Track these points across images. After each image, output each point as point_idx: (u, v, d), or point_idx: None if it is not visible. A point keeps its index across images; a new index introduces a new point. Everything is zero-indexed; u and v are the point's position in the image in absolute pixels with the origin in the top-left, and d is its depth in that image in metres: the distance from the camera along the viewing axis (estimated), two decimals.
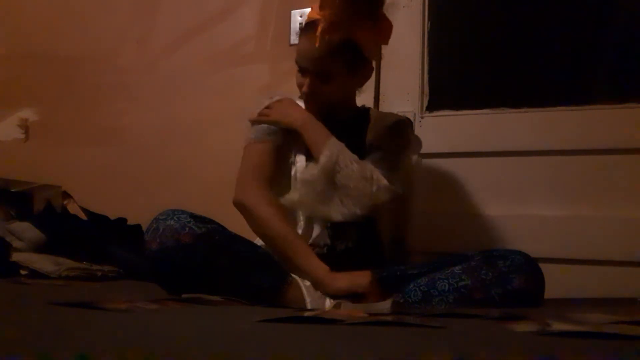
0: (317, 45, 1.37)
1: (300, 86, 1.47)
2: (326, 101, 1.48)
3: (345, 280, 1.30)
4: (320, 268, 1.33)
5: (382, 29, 1.46)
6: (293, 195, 1.41)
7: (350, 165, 1.38)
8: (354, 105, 1.60)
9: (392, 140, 1.54)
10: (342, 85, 1.47)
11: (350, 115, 1.57)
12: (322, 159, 1.38)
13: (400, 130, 1.59)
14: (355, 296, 1.28)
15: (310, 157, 1.45)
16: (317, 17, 1.39)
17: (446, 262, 1.35)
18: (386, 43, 1.51)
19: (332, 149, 1.39)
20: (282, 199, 1.41)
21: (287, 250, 1.36)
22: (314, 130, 1.45)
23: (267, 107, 1.51)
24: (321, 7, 1.39)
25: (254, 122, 1.51)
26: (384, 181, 1.39)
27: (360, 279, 1.30)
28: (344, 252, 1.43)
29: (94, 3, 2.46)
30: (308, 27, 1.43)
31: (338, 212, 1.37)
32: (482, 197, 1.80)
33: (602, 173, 1.69)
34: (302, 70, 1.45)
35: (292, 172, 1.48)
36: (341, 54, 1.40)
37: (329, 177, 1.37)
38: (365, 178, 1.38)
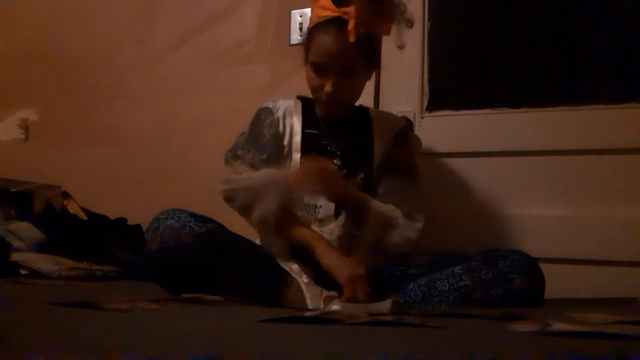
0: (352, 40, 1.35)
1: (317, 88, 1.44)
2: (348, 99, 1.48)
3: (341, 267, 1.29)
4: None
5: (391, 19, 1.46)
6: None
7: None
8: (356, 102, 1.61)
9: (406, 157, 1.56)
10: (362, 80, 1.48)
11: (351, 115, 1.57)
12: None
13: (408, 140, 1.61)
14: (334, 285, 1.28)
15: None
16: (333, 14, 1.38)
17: (446, 262, 1.35)
18: (389, 33, 1.51)
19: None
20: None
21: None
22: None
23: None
24: (349, 2, 1.37)
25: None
26: (409, 231, 1.42)
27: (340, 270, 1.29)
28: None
29: (94, 3, 2.46)
30: (329, 24, 1.40)
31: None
32: (482, 197, 1.80)
33: (602, 173, 1.69)
34: (325, 70, 1.42)
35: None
36: (364, 47, 1.40)
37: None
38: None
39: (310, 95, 1.57)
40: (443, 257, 1.42)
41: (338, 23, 1.38)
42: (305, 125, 1.53)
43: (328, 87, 1.42)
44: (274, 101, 1.57)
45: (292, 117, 1.53)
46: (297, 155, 1.49)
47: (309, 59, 1.46)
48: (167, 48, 2.32)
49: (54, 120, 2.48)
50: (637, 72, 1.76)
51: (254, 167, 1.45)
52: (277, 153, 1.49)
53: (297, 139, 1.50)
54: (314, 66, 1.43)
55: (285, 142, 1.51)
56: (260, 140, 1.50)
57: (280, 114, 1.53)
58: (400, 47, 1.49)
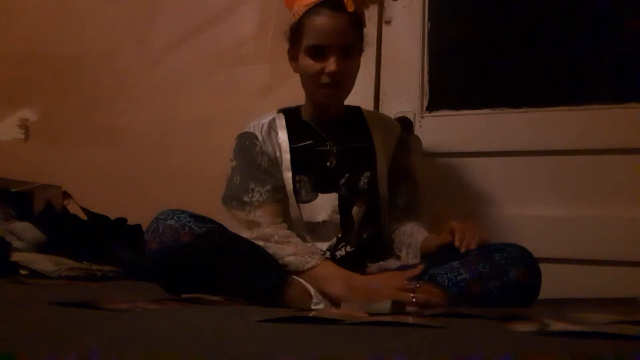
0: (351, 9, 1.39)
1: (317, 73, 1.43)
2: (349, 82, 1.48)
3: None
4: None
5: None
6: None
7: None
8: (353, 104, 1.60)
9: (412, 165, 1.62)
10: (358, 59, 1.49)
11: (343, 115, 1.57)
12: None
13: (409, 145, 1.65)
14: None
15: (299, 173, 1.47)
16: None
17: (445, 258, 1.35)
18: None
19: None
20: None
21: None
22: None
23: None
24: None
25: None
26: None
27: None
28: (345, 255, 1.45)
29: (93, 3, 2.46)
30: (320, 7, 1.41)
31: None
32: (482, 197, 1.80)
33: (602, 173, 1.69)
34: (324, 50, 1.41)
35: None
36: (357, 20, 1.45)
37: None
38: None
39: (292, 105, 1.57)
40: (441, 252, 1.42)
41: (328, 4, 1.41)
42: (293, 138, 1.50)
43: (331, 66, 1.40)
44: (254, 123, 1.53)
45: (277, 134, 1.50)
46: (288, 174, 1.47)
47: (303, 47, 1.44)
48: (167, 48, 2.31)
49: (54, 120, 2.48)
50: (637, 72, 1.76)
51: (262, 206, 1.43)
52: (279, 177, 1.47)
53: (287, 156, 1.48)
54: (312, 50, 1.43)
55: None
56: (258, 173, 1.46)
57: (264, 133, 1.50)
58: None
